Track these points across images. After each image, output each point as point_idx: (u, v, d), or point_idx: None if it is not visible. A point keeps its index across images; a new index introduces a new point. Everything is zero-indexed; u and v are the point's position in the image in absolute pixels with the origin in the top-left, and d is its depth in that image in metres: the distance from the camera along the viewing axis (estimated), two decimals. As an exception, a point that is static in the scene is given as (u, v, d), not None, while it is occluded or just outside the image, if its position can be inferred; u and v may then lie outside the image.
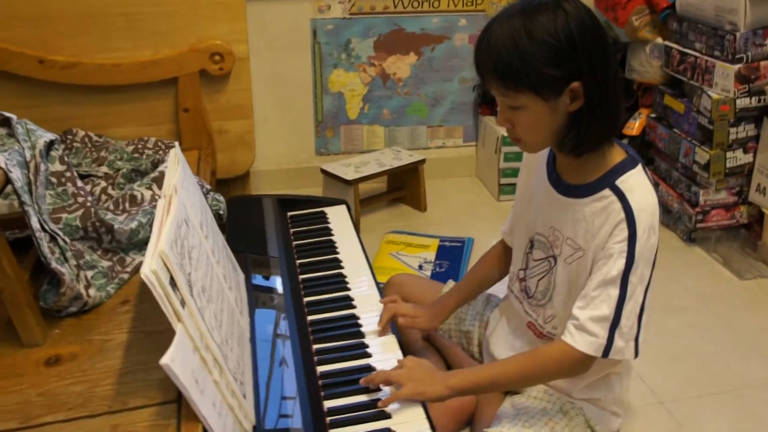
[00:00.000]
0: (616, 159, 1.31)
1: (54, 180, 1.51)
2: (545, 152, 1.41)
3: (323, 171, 2.69)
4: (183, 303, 1.06)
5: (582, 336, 1.27)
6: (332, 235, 1.94)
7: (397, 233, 2.56)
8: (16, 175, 1.31)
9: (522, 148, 1.35)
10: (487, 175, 2.99)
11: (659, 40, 2.56)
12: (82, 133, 2.13)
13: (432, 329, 1.58)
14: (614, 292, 1.26)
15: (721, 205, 2.42)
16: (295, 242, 1.90)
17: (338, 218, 2.05)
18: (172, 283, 1.05)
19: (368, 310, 1.58)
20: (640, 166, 1.31)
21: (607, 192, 1.29)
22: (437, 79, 3.00)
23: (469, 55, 2.91)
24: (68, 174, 1.52)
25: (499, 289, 1.82)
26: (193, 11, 2.19)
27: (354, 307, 1.60)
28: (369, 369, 1.40)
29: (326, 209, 2.10)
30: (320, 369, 1.41)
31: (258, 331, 1.41)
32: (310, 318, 1.57)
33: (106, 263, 1.48)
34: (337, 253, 1.84)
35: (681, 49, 2.42)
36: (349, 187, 2.58)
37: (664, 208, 2.59)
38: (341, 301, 1.62)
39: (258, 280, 1.62)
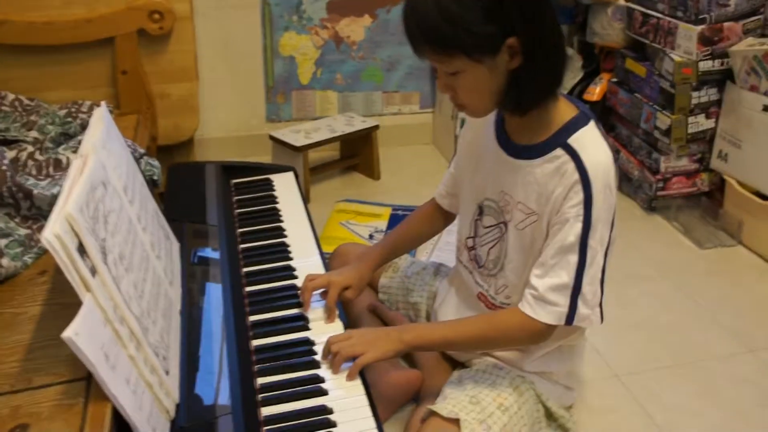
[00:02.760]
0: (566, 116, 1.25)
1: (-33, 143, 1.39)
2: (491, 116, 1.34)
3: (272, 138, 2.58)
4: (94, 271, 0.96)
5: (542, 306, 1.22)
6: (277, 203, 1.85)
7: (348, 202, 2.47)
8: None
9: (468, 114, 1.28)
10: (444, 142, 2.90)
11: (621, 1, 2.48)
12: (11, 96, 1.99)
13: (359, 294, 1.49)
14: (573, 258, 1.20)
15: (682, 172, 2.37)
16: (237, 210, 1.81)
17: (285, 186, 1.96)
18: (81, 249, 0.95)
19: (311, 281, 1.49)
20: (592, 123, 1.25)
21: (559, 151, 1.23)
22: (393, 42, 2.89)
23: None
24: (-18, 136, 1.41)
25: (448, 257, 1.75)
26: (129, -35, 2.05)
27: (295, 277, 1.51)
28: (307, 342, 1.32)
29: (273, 176, 2.01)
30: (255, 343, 1.32)
31: (190, 303, 1.32)
32: (248, 289, 1.48)
33: (23, 231, 1.36)
34: (281, 221, 1.75)
35: (644, 10, 2.35)
36: (298, 154, 2.48)
37: (625, 176, 2.53)
38: (282, 271, 1.54)
39: (194, 249, 1.52)
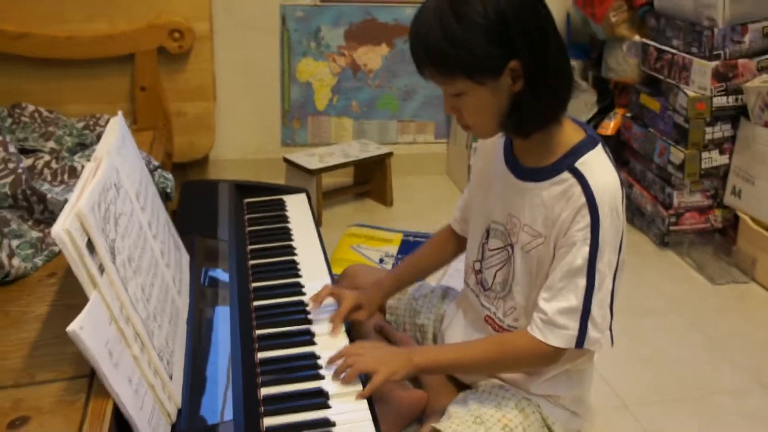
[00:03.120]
0: (573, 139, 1.24)
1: (-18, 145, 1.41)
2: (501, 141, 1.34)
3: (286, 160, 2.60)
4: (102, 269, 0.97)
5: (551, 330, 1.21)
6: (288, 222, 1.85)
7: (359, 227, 2.47)
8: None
9: (474, 135, 1.29)
10: (458, 172, 2.91)
11: (636, 37, 2.50)
12: (31, 108, 2.02)
13: (371, 316, 1.49)
14: (581, 281, 1.19)
15: (695, 207, 2.36)
16: (248, 228, 1.81)
17: (297, 207, 1.96)
18: (90, 246, 0.95)
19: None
20: (600, 146, 1.24)
21: (566, 175, 1.22)
22: (410, 72, 2.91)
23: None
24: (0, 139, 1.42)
25: (458, 282, 1.74)
26: (152, -17, 2.10)
27: (304, 294, 1.50)
28: (312, 356, 1.31)
29: (285, 197, 2.01)
30: (260, 355, 1.31)
31: (197, 314, 1.32)
32: (255, 303, 1.48)
33: (35, 234, 1.37)
34: (292, 240, 1.74)
35: (658, 46, 2.37)
36: (311, 177, 2.49)
37: (637, 211, 2.52)
38: (290, 287, 1.53)
39: (204, 262, 1.52)
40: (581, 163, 1.21)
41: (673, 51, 2.31)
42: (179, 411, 1.07)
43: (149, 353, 1.03)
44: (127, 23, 2.08)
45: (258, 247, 1.71)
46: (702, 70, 2.17)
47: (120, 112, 1.38)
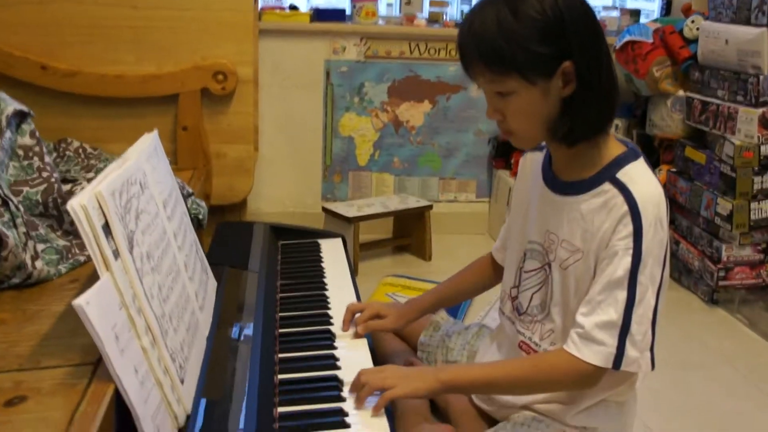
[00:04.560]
0: (614, 152, 1.21)
1: (21, 153, 1.43)
2: (540, 158, 1.31)
3: (324, 209, 2.59)
4: (117, 255, 0.95)
5: (588, 346, 1.14)
6: (322, 262, 1.82)
7: (397, 277, 2.42)
8: (-29, 126, 1.24)
9: (515, 143, 1.25)
10: (499, 230, 2.86)
11: (680, 92, 2.47)
12: (77, 143, 2.07)
13: (399, 329, 1.44)
14: (621, 294, 1.13)
15: (745, 262, 2.26)
16: (281, 266, 1.79)
17: (332, 250, 1.93)
18: (107, 229, 0.94)
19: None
20: (642, 159, 1.21)
21: (607, 186, 1.18)
22: (452, 129, 2.93)
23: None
24: (37, 149, 1.45)
25: (493, 323, 1.68)
26: (200, 29, 2.16)
27: (331, 324, 1.46)
28: (335, 379, 1.25)
29: (321, 240, 1.99)
30: (281, 377, 1.27)
31: (219, 333, 1.28)
32: (281, 330, 1.44)
33: (62, 242, 1.37)
34: (324, 277, 1.71)
35: (703, 98, 2.33)
36: (349, 225, 2.47)
37: (684, 268, 2.43)
38: (317, 317, 1.49)
39: (231, 289, 1.50)
40: (623, 174, 1.17)
41: (718, 101, 2.27)
42: (188, 417, 1.03)
43: (160, 350, 1.00)
44: (174, 64, 2.14)
45: (288, 282, 1.68)
46: (748, 118, 2.12)
47: (155, 130, 1.39)
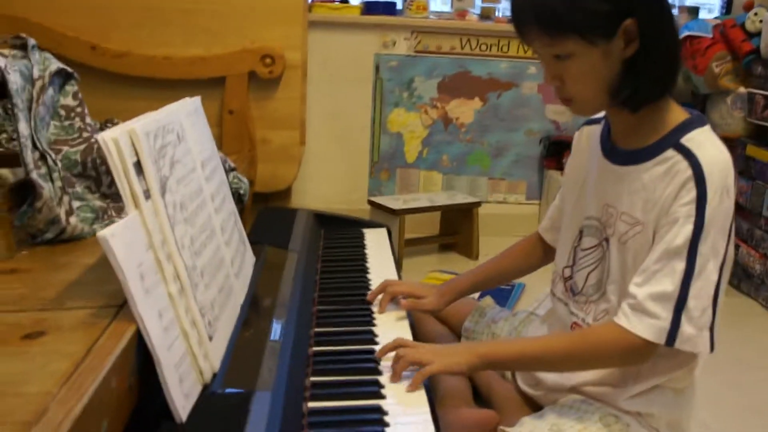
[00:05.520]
0: (679, 118, 1.14)
1: (63, 113, 1.42)
2: (597, 131, 1.24)
3: (370, 202, 2.55)
4: (148, 197, 0.91)
5: (640, 318, 1.06)
6: (365, 249, 1.77)
7: (442, 272, 2.36)
8: (14, 78, 1.23)
9: (574, 110, 1.19)
10: (549, 232, 2.77)
11: (741, 89, 2.36)
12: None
13: (438, 310, 1.38)
14: (680, 264, 1.05)
15: (811, 266, 2.13)
16: (322, 249, 1.74)
17: (376, 240, 1.88)
18: (138, 168, 0.90)
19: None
20: (708, 126, 1.13)
21: (670, 152, 1.11)
22: (502, 128, 2.86)
23: (538, 105, 2.77)
24: (79, 110, 1.43)
25: (542, 310, 1.60)
26: (249, 12, 2.15)
27: (370, 302, 1.40)
28: (371, 353, 1.19)
29: (365, 230, 1.94)
30: (315, 348, 1.21)
31: (253, 304, 1.24)
32: (319, 308, 1.39)
33: (98, 203, 1.35)
34: (366, 262, 1.66)
35: (766, 93, 2.22)
36: (395, 217, 2.42)
37: (744, 274, 2.31)
38: (358, 296, 1.43)
39: (270, 266, 1.46)
40: (688, 139, 1.10)
41: (785, 97, 2.16)
42: (213, 375, 0.98)
43: (188, 301, 0.95)
44: (222, 47, 2.14)
45: (329, 264, 1.63)
46: (818, 112, 2.02)
47: (198, 97, 1.37)
